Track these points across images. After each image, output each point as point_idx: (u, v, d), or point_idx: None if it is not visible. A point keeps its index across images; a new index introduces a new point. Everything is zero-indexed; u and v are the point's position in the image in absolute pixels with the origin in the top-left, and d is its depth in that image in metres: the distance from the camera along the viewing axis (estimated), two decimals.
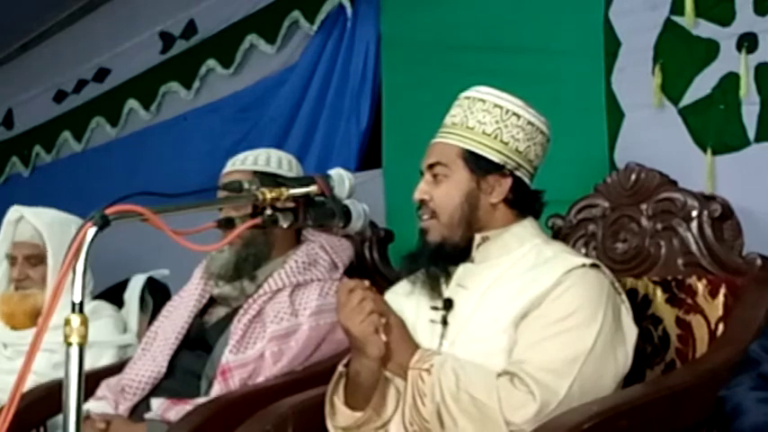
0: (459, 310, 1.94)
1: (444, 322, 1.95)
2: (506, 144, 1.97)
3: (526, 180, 2.00)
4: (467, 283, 1.96)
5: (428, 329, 1.95)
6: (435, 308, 1.97)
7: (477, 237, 1.97)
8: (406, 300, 2.02)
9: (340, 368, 2.00)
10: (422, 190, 2.00)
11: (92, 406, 2.47)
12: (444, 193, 1.97)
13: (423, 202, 1.99)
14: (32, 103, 5.14)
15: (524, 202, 2.01)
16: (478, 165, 1.96)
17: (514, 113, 1.99)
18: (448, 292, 1.98)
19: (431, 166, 2.00)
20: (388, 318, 1.89)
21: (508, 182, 1.97)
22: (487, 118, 1.98)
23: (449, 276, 1.99)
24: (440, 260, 1.98)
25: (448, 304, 1.96)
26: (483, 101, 2.00)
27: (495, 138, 1.97)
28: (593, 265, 1.93)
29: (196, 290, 2.60)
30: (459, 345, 1.91)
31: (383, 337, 1.87)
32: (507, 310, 1.88)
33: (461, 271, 1.98)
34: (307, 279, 2.49)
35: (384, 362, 1.89)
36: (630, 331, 1.91)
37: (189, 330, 2.53)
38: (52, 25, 4.98)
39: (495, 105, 1.99)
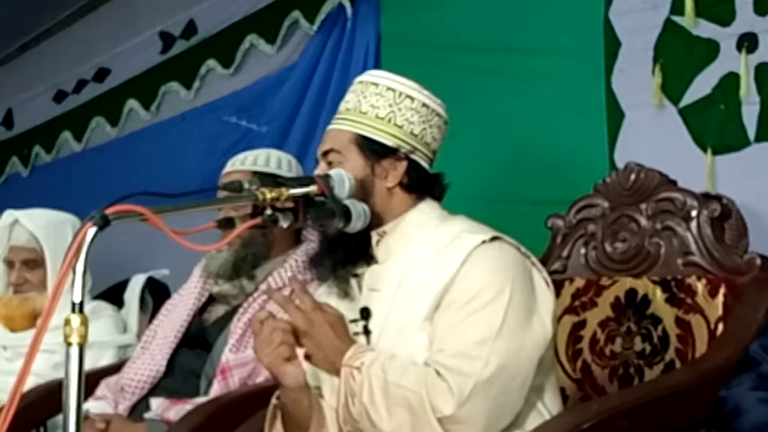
0: (377, 316, 1.90)
1: (367, 332, 1.91)
2: (400, 127, 1.93)
3: (423, 163, 1.95)
4: (377, 285, 1.92)
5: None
6: (354, 320, 1.91)
7: (374, 234, 1.93)
8: (329, 302, 1.94)
9: (273, 401, 1.96)
10: None
11: (91, 406, 2.48)
12: None
13: None
14: (32, 103, 5.13)
15: (422, 186, 1.95)
16: (372, 149, 1.91)
17: (408, 96, 1.94)
18: (362, 300, 1.93)
19: (325, 154, 1.96)
20: (310, 342, 1.83)
21: (403, 165, 1.92)
22: (381, 102, 1.93)
23: (360, 280, 1.95)
24: (341, 254, 1.93)
25: (365, 313, 1.91)
26: (376, 84, 1.95)
27: (389, 121, 1.92)
28: (495, 239, 1.86)
29: (195, 288, 2.60)
30: (382, 350, 1.85)
31: (303, 365, 1.83)
32: (419, 307, 1.84)
33: (369, 274, 1.94)
34: (306, 279, 2.49)
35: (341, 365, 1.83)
36: (544, 295, 1.86)
37: (188, 329, 2.54)
38: (52, 25, 4.97)
39: (389, 89, 1.94)
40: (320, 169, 1.94)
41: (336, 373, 1.83)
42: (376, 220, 1.91)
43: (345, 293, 1.96)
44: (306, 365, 1.87)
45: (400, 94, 1.94)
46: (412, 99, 1.94)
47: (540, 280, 1.88)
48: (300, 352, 1.86)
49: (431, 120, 1.96)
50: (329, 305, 1.87)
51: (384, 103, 1.93)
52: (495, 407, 1.75)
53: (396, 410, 1.75)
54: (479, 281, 1.81)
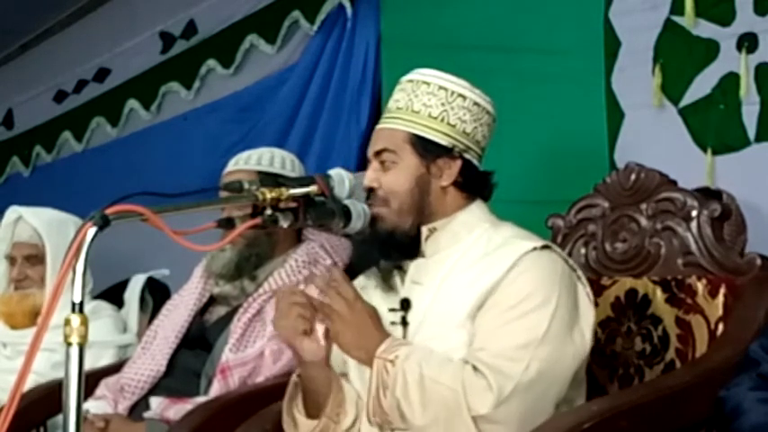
0: (417, 309, 1.92)
1: (404, 323, 1.92)
2: (453, 126, 1.94)
3: (475, 162, 1.97)
4: (421, 279, 1.94)
5: (390, 332, 1.91)
6: (393, 309, 1.93)
7: (424, 229, 1.94)
8: (366, 294, 1.96)
9: (294, 378, 1.98)
10: (370, 177, 1.95)
11: (91, 406, 2.48)
12: (393, 180, 1.93)
13: (372, 190, 1.95)
14: (32, 103, 5.14)
15: (474, 185, 1.97)
16: (427, 149, 1.93)
17: (460, 95, 1.95)
18: (404, 291, 1.95)
19: (378, 153, 1.96)
20: (331, 321, 1.85)
21: (457, 164, 1.94)
22: (433, 101, 1.94)
23: (403, 273, 1.96)
24: (391, 251, 1.95)
25: (406, 304, 1.93)
26: (427, 83, 1.96)
27: (442, 120, 1.93)
28: (545, 247, 1.90)
29: (196, 289, 2.60)
30: (418, 344, 1.87)
31: (321, 342, 1.86)
32: (462, 304, 1.86)
33: (414, 267, 1.95)
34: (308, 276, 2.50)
35: (361, 354, 1.86)
36: (587, 310, 1.89)
37: (189, 329, 2.54)
38: (52, 25, 4.98)
39: (440, 87, 1.95)
40: (372, 169, 1.96)
41: (368, 362, 1.85)
42: (428, 217, 1.94)
43: (387, 285, 1.97)
44: (336, 350, 1.89)
45: (452, 92, 1.95)
46: (464, 98, 1.96)
47: (584, 295, 1.91)
48: (320, 329, 1.87)
49: (481, 118, 1.97)
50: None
51: (437, 102, 1.94)
52: (530, 411, 1.76)
53: (430, 406, 1.77)
54: (527, 286, 1.83)
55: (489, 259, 1.88)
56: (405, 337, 1.91)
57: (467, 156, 1.95)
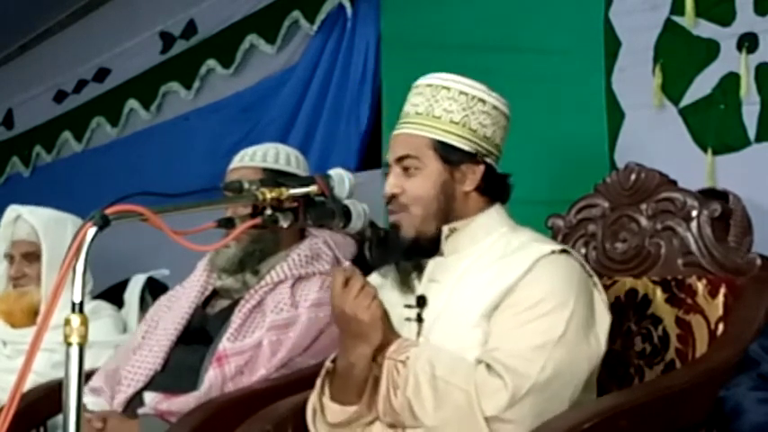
0: (433, 306, 1.93)
1: (419, 319, 1.93)
2: (475, 131, 1.95)
3: (495, 165, 1.98)
4: (438, 277, 1.95)
5: (404, 328, 1.93)
6: (409, 305, 1.94)
7: (445, 229, 1.94)
8: (384, 293, 1.96)
9: (328, 364, 1.98)
10: (393, 184, 1.95)
11: (89, 401, 2.47)
12: (418, 186, 1.93)
13: (393, 197, 1.95)
14: (32, 103, 5.13)
15: (495, 188, 1.99)
16: (450, 155, 1.93)
17: (480, 99, 1.96)
18: (420, 288, 1.96)
19: (400, 159, 1.96)
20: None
21: (480, 170, 1.95)
22: (454, 106, 1.94)
23: (420, 271, 1.96)
24: (414, 255, 1.95)
25: (422, 301, 1.94)
26: (447, 88, 1.96)
27: (464, 126, 1.94)
28: (563, 251, 1.91)
29: (198, 282, 2.61)
30: (433, 341, 1.89)
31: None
32: (478, 303, 1.87)
33: (432, 265, 1.96)
34: (309, 272, 2.50)
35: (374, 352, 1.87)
36: (602, 315, 1.90)
37: (190, 321, 2.54)
38: (52, 25, 4.97)
39: (461, 92, 1.95)
40: (394, 175, 1.96)
41: (371, 359, 1.85)
42: (449, 218, 1.94)
43: (405, 283, 1.97)
44: None
45: (473, 97, 1.96)
46: (484, 102, 1.97)
47: (600, 301, 1.92)
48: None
49: (499, 121, 1.99)
50: None
51: (458, 108, 1.95)
52: (543, 412, 1.77)
53: (442, 406, 1.78)
54: (545, 288, 1.84)
55: (507, 261, 1.89)
56: (419, 333, 1.92)
57: (488, 160, 1.96)
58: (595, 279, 1.94)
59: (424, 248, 1.95)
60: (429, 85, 1.99)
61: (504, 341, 1.81)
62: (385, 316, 1.88)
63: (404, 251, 1.95)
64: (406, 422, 1.82)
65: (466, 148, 1.94)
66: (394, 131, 2.02)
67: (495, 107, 1.97)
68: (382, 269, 2.03)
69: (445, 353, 1.84)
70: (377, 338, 1.85)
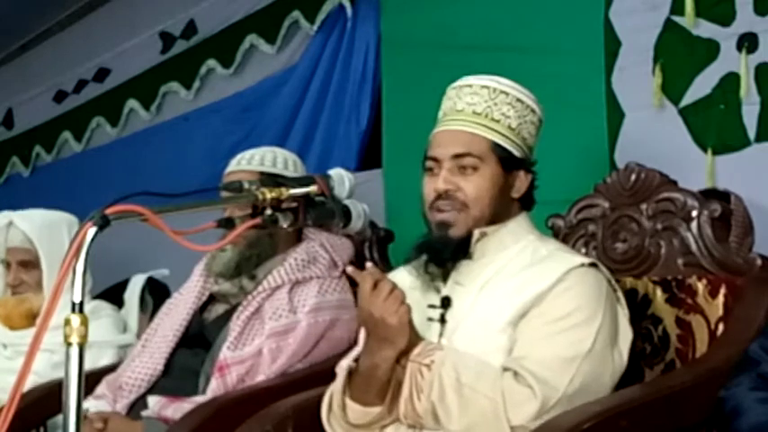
0: (457, 309, 1.92)
1: (443, 320, 1.93)
2: (525, 140, 1.97)
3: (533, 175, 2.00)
4: (464, 280, 1.94)
5: (426, 327, 1.92)
6: (433, 306, 1.94)
7: (476, 232, 1.93)
8: (410, 293, 1.93)
9: (351, 364, 1.95)
10: (447, 180, 1.92)
11: (90, 405, 2.47)
12: (479, 186, 1.91)
13: (447, 193, 1.92)
14: (32, 103, 5.14)
15: (530, 198, 2.00)
16: (507, 160, 1.93)
17: (532, 110, 1.98)
18: (445, 289, 1.95)
19: (458, 156, 1.92)
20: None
21: (529, 179, 1.97)
22: (511, 112, 1.95)
23: (447, 272, 1.96)
24: (451, 255, 1.93)
25: (446, 302, 1.94)
26: (506, 93, 1.95)
27: (518, 133, 1.95)
28: (592, 265, 1.92)
29: (196, 287, 2.61)
30: (456, 343, 1.89)
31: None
32: (505, 310, 1.87)
33: (460, 268, 1.95)
34: (306, 276, 2.49)
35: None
36: (626, 331, 1.91)
37: (188, 327, 2.54)
38: (52, 25, 4.98)
39: (518, 100, 1.96)
40: (449, 171, 1.92)
41: (393, 360, 1.83)
42: (486, 222, 1.93)
43: (432, 284, 1.96)
44: None
45: (527, 106, 1.97)
46: (534, 112, 1.98)
47: (623, 316, 1.93)
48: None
49: (538, 133, 2.01)
50: None
51: (514, 114, 1.95)
52: None
53: (467, 413, 1.78)
54: (574, 301, 1.84)
55: (535, 269, 1.89)
56: (441, 334, 1.92)
57: (533, 169, 1.98)
58: (619, 294, 1.95)
59: (460, 247, 1.94)
60: (485, 87, 1.96)
61: (532, 350, 1.81)
62: (412, 321, 1.87)
63: (452, 250, 1.93)
64: (428, 425, 1.82)
65: (519, 155, 1.94)
66: (443, 126, 1.98)
67: (540, 119, 2.00)
68: (408, 267, 2.01)
69: (470, 358, 1.83)
70: (403, 342, 1.83)
